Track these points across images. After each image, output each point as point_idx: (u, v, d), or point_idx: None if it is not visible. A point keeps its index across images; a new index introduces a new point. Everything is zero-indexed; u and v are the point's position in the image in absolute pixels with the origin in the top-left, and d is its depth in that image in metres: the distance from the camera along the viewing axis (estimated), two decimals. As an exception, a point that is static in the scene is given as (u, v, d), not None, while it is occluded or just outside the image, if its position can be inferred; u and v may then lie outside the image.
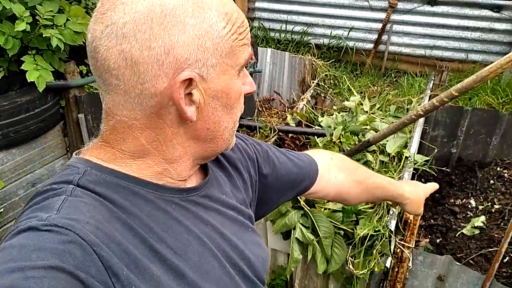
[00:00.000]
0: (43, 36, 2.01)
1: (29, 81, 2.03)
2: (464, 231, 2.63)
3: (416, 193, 1.24)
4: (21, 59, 2.05)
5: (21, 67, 2.03)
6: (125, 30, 0.58)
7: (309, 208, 1.88)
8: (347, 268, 1.83)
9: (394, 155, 2.21)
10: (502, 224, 2.61)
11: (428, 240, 2.73)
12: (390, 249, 1.82)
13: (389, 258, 1.89)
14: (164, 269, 0.61)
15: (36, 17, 2.01)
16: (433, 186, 1.31)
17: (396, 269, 1.99)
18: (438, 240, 2.71)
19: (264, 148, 0.98)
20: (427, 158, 2.21)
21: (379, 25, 4.87)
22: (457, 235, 2.61)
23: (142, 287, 0.57)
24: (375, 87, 4.48)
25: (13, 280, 0.47)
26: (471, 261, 2.45)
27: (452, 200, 2.98)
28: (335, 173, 1.09)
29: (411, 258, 1.97)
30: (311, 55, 4.32)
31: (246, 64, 0.69)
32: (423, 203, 1.26)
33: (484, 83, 3.86)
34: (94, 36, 0.60)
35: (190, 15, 0.59)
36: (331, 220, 1.83)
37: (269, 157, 0.97)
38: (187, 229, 0.68)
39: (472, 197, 2.93)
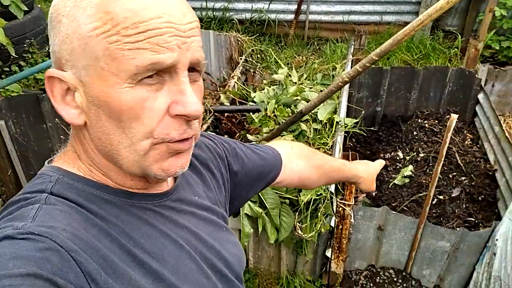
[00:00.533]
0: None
1: None
2: (395, 181, 2.85)
3: (368, 171, 1.30)
4: None
5: None
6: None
7: (254, 183, 1.96)
8: (296, 233, 1.94)
9: (326, 121, 2.34)
10: (428, 170, 2.86)
11: (365, 195, 2.93)
12: (333, 209, 1.95)
13: (333, 218, 2.03)
14: (142, 273, 0.61)
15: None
16: (380, 163, 1.39)
17: (340, 227, 2.15)
18: (373, 194, 2.91)
19: (232, 145, 0.97)
20: (356, 120, 2.36)
21: (297, -5, 4.98)
22: (390, 186, 2.82)
23: None
24: (301, 57, 4.61)
25: None
26: (405, 208, 2.67)
27: (382, 155, 3.19)
28: (296, 162, 1.12)
29: (352, 214, 2.13)
30: (235, 31, 4.33)
31: (146, 72, 0.57)
32: (374, 180, 1.35)
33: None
34: None
35: (66, 14, 0.58)
36: (276, 191, 1.92)
37: (237, 154, 0.96)
38: (162, 234, 0.68)
39: (399, 150, 3.17)
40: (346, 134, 2.49)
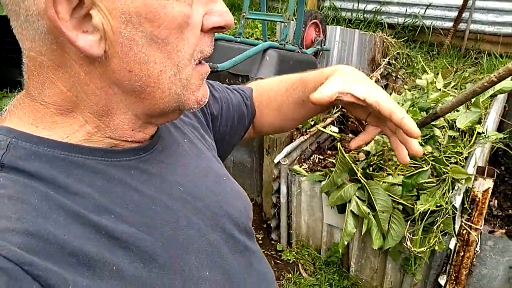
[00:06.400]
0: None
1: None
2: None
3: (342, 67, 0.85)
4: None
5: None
6: None
7: (366, 181, 1.79)
8: (404, 245, 1.72)
9: (465, 130, 2.03)
10: None
11: (504, 231, 2.51)
12: (454, 228, 1.68)
13: (453, 239, 1.75)
14: (129, 257, 0.49)
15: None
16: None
17: (462, 253, 1.84)
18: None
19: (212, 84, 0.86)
20: (502, 135, 2.00)
21: (459, 1, 4.50)
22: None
23: None
24: (453, 68, 4.16)
25: None
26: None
27: (535, 191, 2.70)
28: (265, 92, 0.94)
29: (479, 242, 1.81)
30: (382, 33, 4.10)
31: None
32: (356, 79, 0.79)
33: None
34: None
35: None
36: (390, 194, 1.73)
37: (213, 95, 0.85)
38: (152, 199, 0.55)
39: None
40: (491, 151, 2.14)
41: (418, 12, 4.72)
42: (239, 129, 0.91)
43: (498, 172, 2.74)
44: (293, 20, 3.56)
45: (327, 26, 4.11)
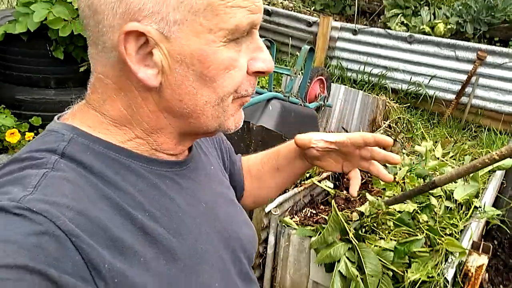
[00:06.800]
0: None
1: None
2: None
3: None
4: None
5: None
6: None
7: (357, 242, 1.74)
8: (391, 315, 1.64)
9: (462, 203, 2.01)
10: None
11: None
12: (445, 303, 1.60)
13: (443, 315, 1.67)
14: (155, 253, 0.56)
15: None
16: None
17: (451, 331, 1.75)
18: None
19: (230, 146, 0.96)
20: (499, 212, 1.97)
21: (463, 77, 4.62)
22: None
23: (128, 278, 0.51)
24: (452, 139, 4.20)
25: None
26: None
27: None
28: (245, 162, 1.03)
29: (470, 321, 1.73)
30: (385, 97, 4.17)
31: (242, 32, 0.57)
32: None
33: None
34: None
35: None
36: (380, 258, 1.67)
37: (231, 156, 0.95)
38: (181, 208, 0.63)
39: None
40: (485, 226, 2.10)
41: (422, 82, 4.83)
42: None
43: (491, 245, 2.68)
44: (299, 74, 3.63)
45: (332, 83, 4.18)
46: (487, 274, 2.70)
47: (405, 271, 1.62)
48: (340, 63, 5.35)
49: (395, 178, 2.39)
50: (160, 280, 0.55)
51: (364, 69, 5.16)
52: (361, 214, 2.08)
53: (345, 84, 4.89)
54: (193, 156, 0.72)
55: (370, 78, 5.13)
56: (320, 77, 3.94)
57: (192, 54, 0.54)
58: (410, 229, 1.82)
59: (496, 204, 2.52)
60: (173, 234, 0.59)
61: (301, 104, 3.31)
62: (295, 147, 0.92)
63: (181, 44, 0.54)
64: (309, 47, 3.53)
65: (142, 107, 0.59)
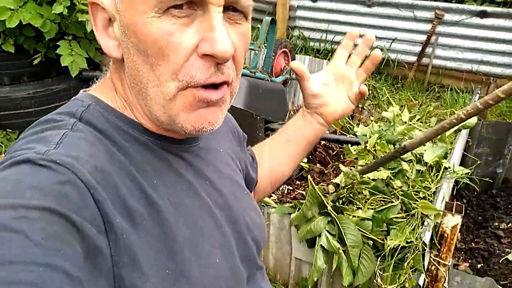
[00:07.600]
0: (79, 20, 2.04)
1: (62, 65, 2.06)
2: (509, 256, 2.43)
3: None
4: (57, 43, 2.09)
5: (56, 51, 2.06)
6: None
7: (336, 215, 1.76)
8: (374, 281, 1.68)
9: (432, 165, 2.05)
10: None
11: (468, 264, 2.54)
12: (423, 264, 1.66)
13: (422, 275, 1.73)
14: (155, 221, 0.57)
15: (74, 1, 2.04)
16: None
17: (430, 289, 1.83)
18: (479, 265, 2.51)
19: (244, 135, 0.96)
20: (468, 171, 2.03)
21: (423, 37, 4.68)
22: (501, 261, 2.41)
23: (131, 237, 0.53)
24: (417, 101, 4.28)
25: (3, 218, 0.43)
26: (516, 289, 2.24)
27: (497, 224, 2.78)
28: (256, 149, 1.05)
29: (447, 278, 1.80)
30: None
31: (173, 3, 0.52)
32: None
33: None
34: None
35: None
36: (360, 229, 1.70)
37: (246, 150, 0.96)
38: (186, 183, 0.65)
39: (519, 221, 2.71)
40: (455, 184, 2.17)
41: (384, 46, 4.87)
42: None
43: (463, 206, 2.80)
44: (263, 48, 3.57)
45: (296, 55, 4.15)
46: (459, 233, 2.82)
47: (385, 239, 1.66)
48: (302, 33, 5.31)
49: (366, 146, 2.42)
50: (158, 246, 0.56)
51: (326, 38, 5.14)
52: (337, 185, 2.10)
53: (308, 55, 4.87)
54: (201, 136, 0.73)
55: (333, 46, 5.12)
56: (284, 49, 3.89)
57: (128, 26, 0.55)
58: (386, 196, 1.85)
59: (462, 163, 2.61)
60: (175, 206, 0.61)
61: (268, 79, 3.27)
62: (300, 115, 0.98)
63: (122, 15, 0.55)
64: (270, 18, 3.47)
65: (123, 80, 0.62)
